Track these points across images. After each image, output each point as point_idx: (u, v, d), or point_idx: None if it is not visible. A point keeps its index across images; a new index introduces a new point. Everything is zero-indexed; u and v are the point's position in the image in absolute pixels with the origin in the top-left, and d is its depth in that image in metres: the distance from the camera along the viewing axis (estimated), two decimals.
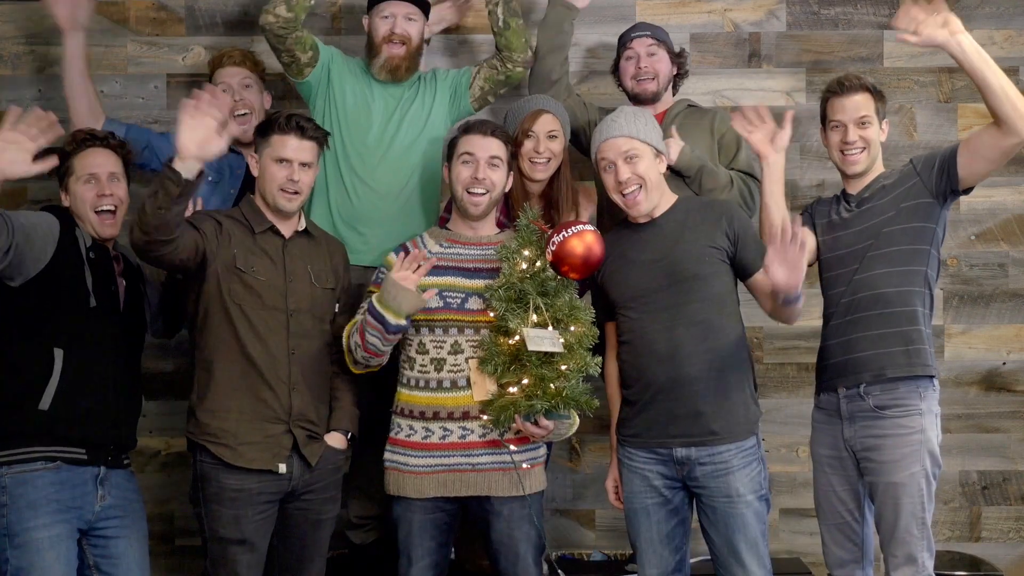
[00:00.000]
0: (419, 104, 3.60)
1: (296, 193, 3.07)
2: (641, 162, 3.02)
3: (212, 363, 3.02)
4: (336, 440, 3.13)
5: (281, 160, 3.05)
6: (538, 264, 3.00)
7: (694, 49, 4.05)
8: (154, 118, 4.02)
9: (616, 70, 3.70)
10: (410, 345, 3.08)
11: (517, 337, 2.94)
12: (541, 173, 3.40)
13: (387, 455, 3.10)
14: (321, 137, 3.12)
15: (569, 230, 2.95)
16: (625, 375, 3.10)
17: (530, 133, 3.39)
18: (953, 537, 4.09)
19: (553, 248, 2.94)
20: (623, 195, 3.04)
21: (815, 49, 4.06)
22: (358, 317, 3.04)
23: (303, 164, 3.07)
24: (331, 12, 4.05)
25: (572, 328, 2.98)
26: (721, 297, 3.03)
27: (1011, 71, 4.03)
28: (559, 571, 3.73)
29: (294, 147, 3.05)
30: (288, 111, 3.16)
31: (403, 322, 2.93)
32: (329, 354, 3.14)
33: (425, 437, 3.04)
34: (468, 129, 3.15)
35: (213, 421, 3.00)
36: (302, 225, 3.16)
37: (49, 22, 4.01)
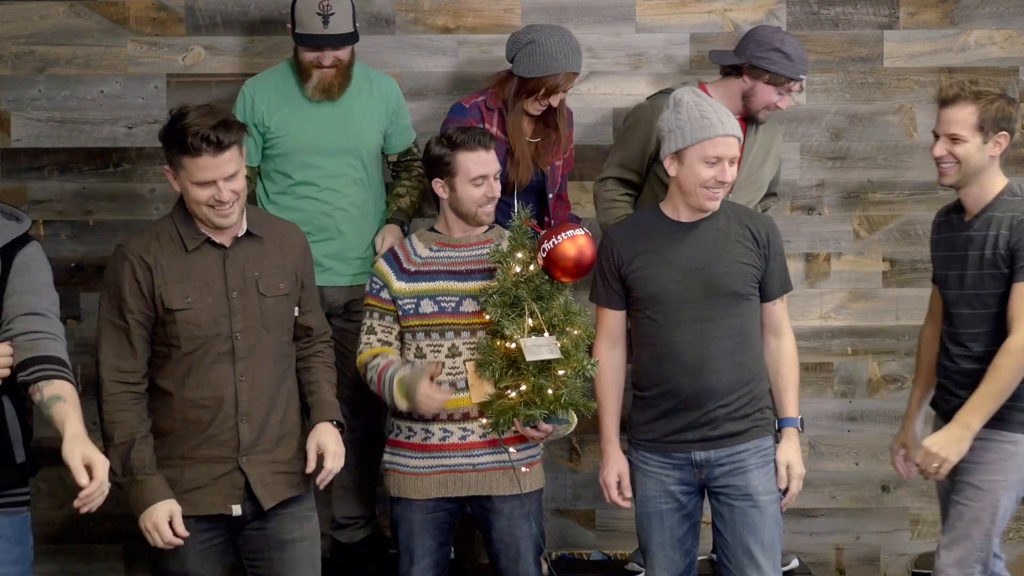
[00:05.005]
0: (358, 113, 3.56)
1: (233, 205, 2.72)
2: (736, 167, 2.97)
3: (155, 408, 2.78)
4: (329, 433, 2.83)
5: (201, 183, 2.68)
6: (531, 267, 2.99)
7: (694, 49, 4.05)
8: (154, 118, 4.02)
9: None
10: (408, 349, 3.08)
11: (514, 343, 2.94)
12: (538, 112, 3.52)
13: (386, 457, 3.11)
14: (238, 138, 2.71)
15: (561, 235, 2.95)
16: (640, 377, 3.04)
17: (558, 90, 3.45)
18: None
19: (544, 254, 2.95)
20: (708, 189, 2.92)
21: (815, 49, 4.06)
22: (374, 356, 3.05)
23: (228, 178, 2.69)
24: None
25: (568, 330, 2.97)
26: (753, 312, 2.99)
27: (1011, 71, 4.05)
28: (554, 572, 3.72)
29: (212, 166, 2.66)
30: (192, 121, 2.66)
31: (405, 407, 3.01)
32: (288, 361, 2.88)
33: (425, 438, 3.04)
34: (465, 145, 3.06)
35: (160, 470, 2.74)
36: (243, 229, 2.82)
37: (49, 22, 4.03)
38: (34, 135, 4.05)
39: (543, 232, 3.04)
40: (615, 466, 3.07)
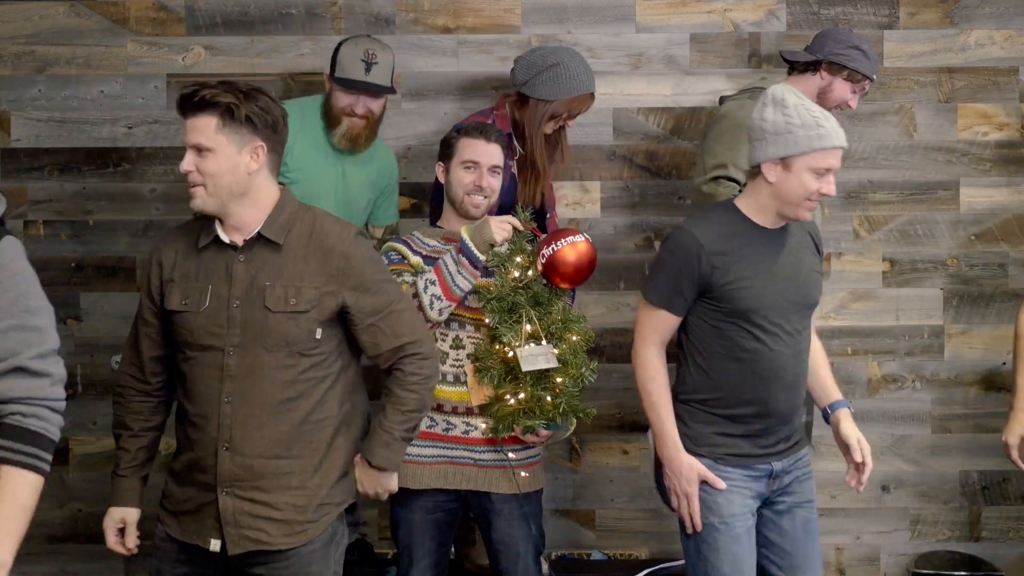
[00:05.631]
0: (362, 177, 3.56)
1: (195, 186, 2.44)
2: None
3: (177, 412, 2.62)
4: (360, 467, 2.61)
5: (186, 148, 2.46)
6: (530, 273, 2.98)
7: (694, 49, 4.05)
8: (154, 118, 4.02)
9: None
10: None
11: (511, 350, 2.92)
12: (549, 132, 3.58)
13: None
14: (222, 108, 2.40)
15: (561, 241, 2.93)
16: (722, 392, 2.77)
17: (582, 110, 3.53)
18: (953, 537, 4.09)
19: (543, 260, 2.93)
20: (810, 201, 2.71)
21: None
22: (412, 280, 2.97)
23: (195, 148, 2.42)
24: (331, 12, 4.05)
25: (566, 337, 2.95)
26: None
27: (1011, 71, 4.04)
28: (553, 573, 3.72)
29: (186, 129, 2.43)
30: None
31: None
32: (300, 389, 2.48)
33: (429, 427, 3.04)
34: (469, 132, 3.13)
35: (168, 482, 2.59)
36: (254, 231, 2.49)
37: (49, 22, 4.03)
38: (34, 135, 4.05)
39: (542, 237, 3.03)
40: (693, 470, 2.74)
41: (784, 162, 2.68)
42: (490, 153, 3.11)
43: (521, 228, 3.02)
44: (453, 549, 3.37)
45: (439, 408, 3.04)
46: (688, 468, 2.73)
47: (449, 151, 3.14)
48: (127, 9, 4.05)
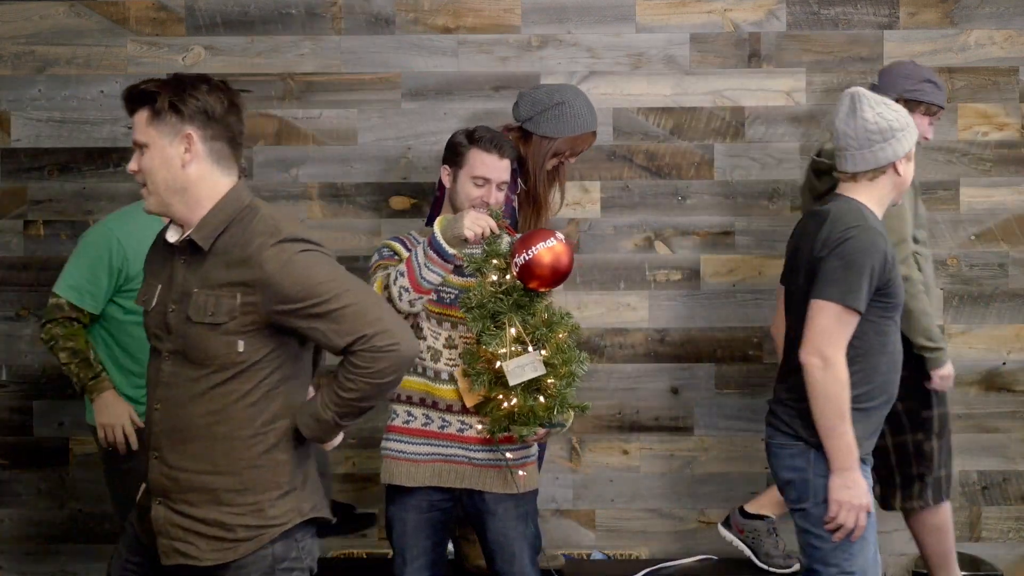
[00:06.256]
0: None
1: (143, 186, 2.35)
2: None
3: None
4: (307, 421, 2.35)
5: None
6: (508, 276, 2.91)
7: (694, 49, 4.05)
8: None
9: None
10: (414, 328, 3.05)
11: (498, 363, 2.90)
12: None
13: (384, 443, 3.08)
14: (143, 94, 2.32)
15: (536, 246, 2.84)
16: (871, 387, 2.79)
17: (579, 150, 3.59)
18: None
19: (517, 268, 2.85)
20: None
21: (815, 49, 4.07)
22: (387, 272, 2.93)
23: (135, 145, 2.34)
24: (331, 12, 4.06)
25: (551, 337, 2.92)
26: None
27: (1011, 71, 4.05)
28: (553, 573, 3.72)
29: (133, 127, 2.36)
30: None
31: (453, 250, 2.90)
32: (222, 402, 2.28)
33: (425, 424, 3.03)
34: (482, 144, 3.06)
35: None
36: (185, 232, 2.33)
37: (49, 22, 4.04)
38: (34, 135, 4.05)
39: (516, 240, 2.97)
40: (866, 487, 2.76)
41: (907, 153, 2.82)
42: (501, 168, 3.07)
43: (496, 230, 2.96)
44: (453, 549, 3.37)
45: (434, 406, 3.03)
46: (867, 486, 2.74)
47: (459, 159, 3.07)
48: (127, 9, 4.06)
